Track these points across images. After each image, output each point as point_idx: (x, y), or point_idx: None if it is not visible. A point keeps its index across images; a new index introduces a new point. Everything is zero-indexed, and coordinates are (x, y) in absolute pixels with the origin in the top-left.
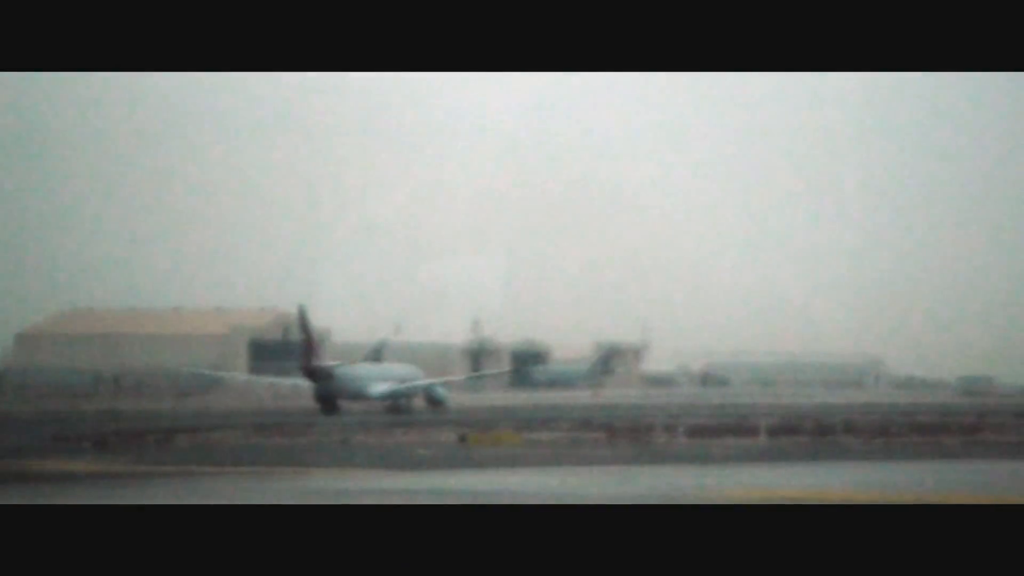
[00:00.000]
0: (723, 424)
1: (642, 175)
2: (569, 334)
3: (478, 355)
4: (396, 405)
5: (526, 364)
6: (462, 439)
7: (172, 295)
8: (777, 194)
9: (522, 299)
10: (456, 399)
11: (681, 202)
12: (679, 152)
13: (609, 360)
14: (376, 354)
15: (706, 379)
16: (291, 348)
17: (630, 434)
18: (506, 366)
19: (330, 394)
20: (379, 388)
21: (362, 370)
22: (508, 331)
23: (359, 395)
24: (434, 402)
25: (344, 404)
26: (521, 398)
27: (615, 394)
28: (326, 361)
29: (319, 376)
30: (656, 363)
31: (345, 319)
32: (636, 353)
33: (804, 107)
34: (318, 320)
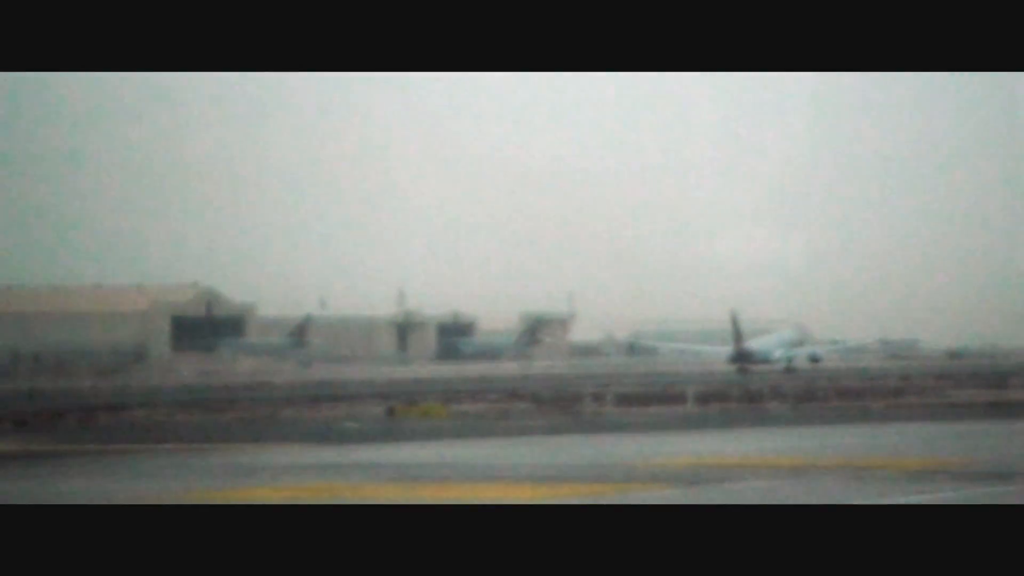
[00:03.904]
0: (650, 392)
1: (566, 145)
2: (495, 305)
3: (404, 328)
4: (789, 366)
5: (452, 336)
6: (390, 412)
7: (92, 272)
8: (696, 158)
9: (447, 271)
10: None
11: (606, 172)
12: (606, 121)
13: (536, 331)
14: (302, 329)
15: (633, 348)
16: (214, 324)
17: (558, 404)
18: (433, 339)
19: (745, 361)
20: (777, 353)
21: (767, 342)
22: (434, 303)
23: (766, 360)
24: (815, 361)
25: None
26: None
27: (542, 365)
28: (747, 342)
29: (743, 352)
30: (584, 333)
31: (270, 293)
32: (563, 324)
33: (757, 93)
34: (240, 296)
